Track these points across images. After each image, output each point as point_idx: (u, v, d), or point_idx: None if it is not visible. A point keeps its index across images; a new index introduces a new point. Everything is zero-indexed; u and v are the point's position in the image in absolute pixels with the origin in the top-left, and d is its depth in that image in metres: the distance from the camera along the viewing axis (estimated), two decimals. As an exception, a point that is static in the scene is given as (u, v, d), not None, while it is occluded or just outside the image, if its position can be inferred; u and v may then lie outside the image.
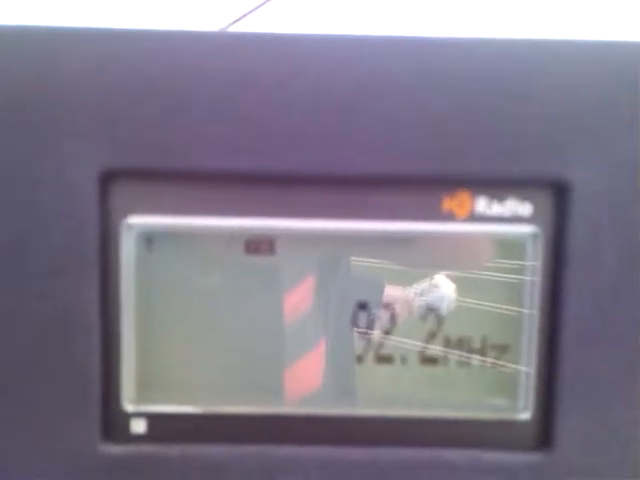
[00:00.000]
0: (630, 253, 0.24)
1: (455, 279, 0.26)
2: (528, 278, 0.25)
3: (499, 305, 0.26)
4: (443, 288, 0.26)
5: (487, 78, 0.24)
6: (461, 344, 0.26)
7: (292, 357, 0.27)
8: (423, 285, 0.26)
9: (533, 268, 0.25)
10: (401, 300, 0.26)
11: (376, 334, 0.26)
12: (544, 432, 0.25)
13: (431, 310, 0.26)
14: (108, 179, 0.24)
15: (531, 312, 0.25)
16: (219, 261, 0.26)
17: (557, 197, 0.25)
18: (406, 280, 0.26)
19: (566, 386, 0.25)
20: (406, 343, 0.26)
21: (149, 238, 0.25)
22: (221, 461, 0.25)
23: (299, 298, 0.27)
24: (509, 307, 0.26)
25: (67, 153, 0.24)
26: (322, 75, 0.24)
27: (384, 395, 0.27)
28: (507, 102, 0.24)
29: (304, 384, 0.27)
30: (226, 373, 0.26)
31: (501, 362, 0.26)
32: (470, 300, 0.26)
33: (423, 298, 0.26)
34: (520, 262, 0.25)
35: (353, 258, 0.26)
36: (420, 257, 0.26)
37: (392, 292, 0.26)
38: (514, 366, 0.26)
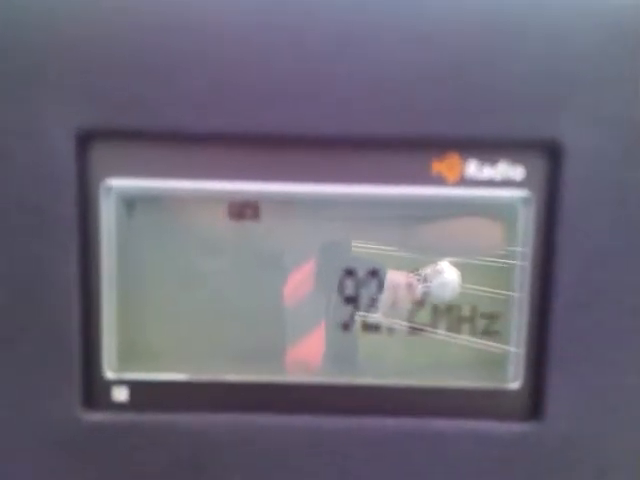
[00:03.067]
0: (624, 216, 0.23)
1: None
2: (520, 242, 0.25)
3: (490, 289, 0.25)
4: (447, 274, 0.25)
5: (477, 33, 0.23)
6: (450, 312, 0.25)
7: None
8: (427, 271, 0.25)
9: (525, 230, 0.24)
10: (404, 286, 0.25)
11: (363, 301, 0.25)
12: (534, 402, 0.25)
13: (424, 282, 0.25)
14: (87, 139, 0.23)
15: (522, 278, 0.25)
16: (202, 227, 0.26)
17: (550, 160, 0.24)
18: (410, 266, 0.26)
19: (557, 355, 0.24)
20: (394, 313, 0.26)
21: (130, 201, 0.25)
22: (204, 429, 0.25)
23: (298, 280, 0.26)
24: (500, 291, 0.25)
25: (45, 111, 0.23)
26: (306, 30, 0.23)
27: (374, 364, 0.26)
28: (498, 59, 0.23)
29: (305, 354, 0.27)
30: (212, 341, 0.26)
31: (491, 331, 0.25)
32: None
33: (426, 284, 0.25)
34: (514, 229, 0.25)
35: (355, 244, 0.26)
36: (425, 242, 0.26)
37: (395, 277, 0.26)
38: (504, 335, 0.25)
